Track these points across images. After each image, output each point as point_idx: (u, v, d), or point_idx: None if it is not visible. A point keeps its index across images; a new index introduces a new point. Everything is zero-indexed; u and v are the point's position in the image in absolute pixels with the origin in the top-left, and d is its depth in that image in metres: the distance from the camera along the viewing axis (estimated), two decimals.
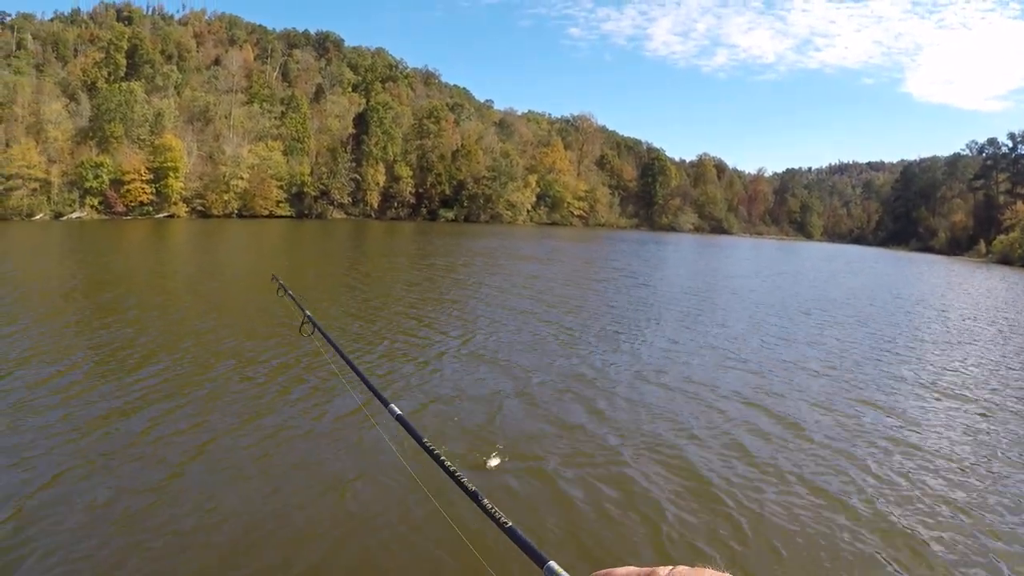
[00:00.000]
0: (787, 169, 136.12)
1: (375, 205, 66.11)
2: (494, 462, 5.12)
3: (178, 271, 18.58)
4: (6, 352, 7.69)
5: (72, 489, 4.38)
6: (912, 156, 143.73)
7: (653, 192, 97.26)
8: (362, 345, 9.09)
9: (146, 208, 48.59)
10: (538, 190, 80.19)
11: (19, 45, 63.53)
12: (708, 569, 0.46)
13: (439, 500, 4.51)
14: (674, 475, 5.19)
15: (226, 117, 59.81)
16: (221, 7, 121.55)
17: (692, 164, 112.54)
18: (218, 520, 4.09)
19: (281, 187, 57.76)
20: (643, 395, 7.40)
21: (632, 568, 0.51)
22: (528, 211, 79.17)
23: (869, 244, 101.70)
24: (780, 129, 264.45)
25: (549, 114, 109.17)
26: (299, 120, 63.07)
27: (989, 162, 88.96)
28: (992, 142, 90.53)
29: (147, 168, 48.42)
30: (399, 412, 1.63)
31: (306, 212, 60.39)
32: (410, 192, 68.63)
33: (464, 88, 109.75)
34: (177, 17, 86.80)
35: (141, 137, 50.74)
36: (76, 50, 66.97)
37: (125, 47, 61.15)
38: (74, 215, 44.63)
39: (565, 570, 0.78)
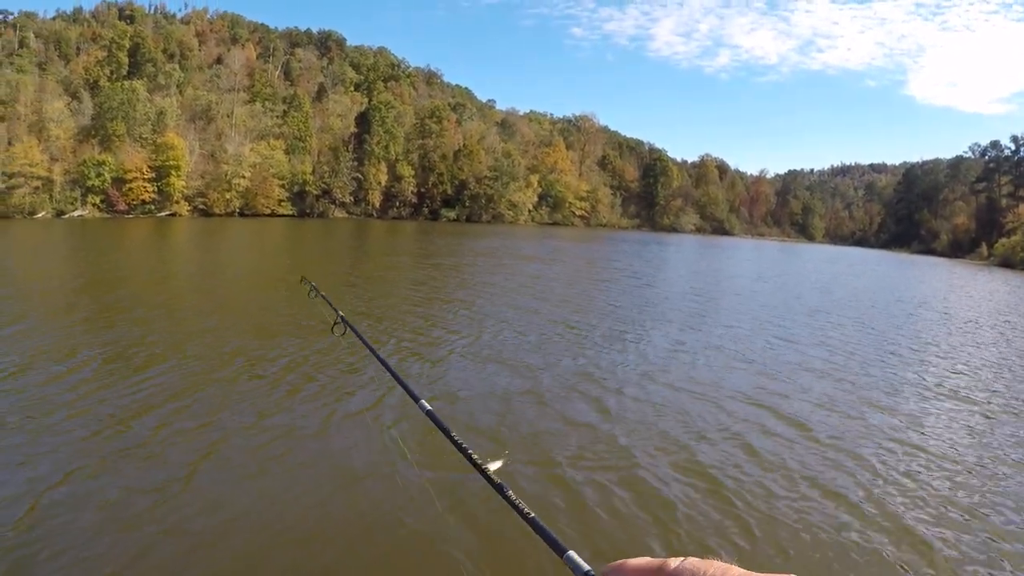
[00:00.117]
0: (789, 170, 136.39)
1: (377, 204, 66.20)
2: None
3: (182, 270, 18.63)
4: (14, 350, 7.70)
5: (82, 488, 4.38)
6: (914, 158, 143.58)
7: (655, 193, 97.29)
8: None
9: (148, 206, 48.70)
10: (540, 190, 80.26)
11: (22, 43, 63.70)
12: (717, 560, 0.48)
13: (451, 499, 4.56)
14: (683, 474, 5.21)
15: (228, 116, 59.88)
16: (223, 6, 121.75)
17: (694, 165, 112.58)
18: (229, 520, 4.10)
19: (283, 186, 57.84)
20: (651, 395, 7.42)
21: (645, 558, 0.53)
22: (530, 211, 79.25)
23: (871, 246, 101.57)
24: (782, 130, 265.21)
25: (551, 114, 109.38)
26: (301, 119, 63.16)
27: (992, 165, 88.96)
28: (995, 145, 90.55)
29: (149, 166, 48.54)
30: (429, 407, 1.67)
31: (308, 211, 60.46)
32: (412, 192, 68.72)
33: (466, 88, 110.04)
34: (179, 16, 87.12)
35: (143, 136, 50.87)
36: (78, 49, 67.14)
37: (127, 46, 61.35)
38: (76, 213, 44.72)
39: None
